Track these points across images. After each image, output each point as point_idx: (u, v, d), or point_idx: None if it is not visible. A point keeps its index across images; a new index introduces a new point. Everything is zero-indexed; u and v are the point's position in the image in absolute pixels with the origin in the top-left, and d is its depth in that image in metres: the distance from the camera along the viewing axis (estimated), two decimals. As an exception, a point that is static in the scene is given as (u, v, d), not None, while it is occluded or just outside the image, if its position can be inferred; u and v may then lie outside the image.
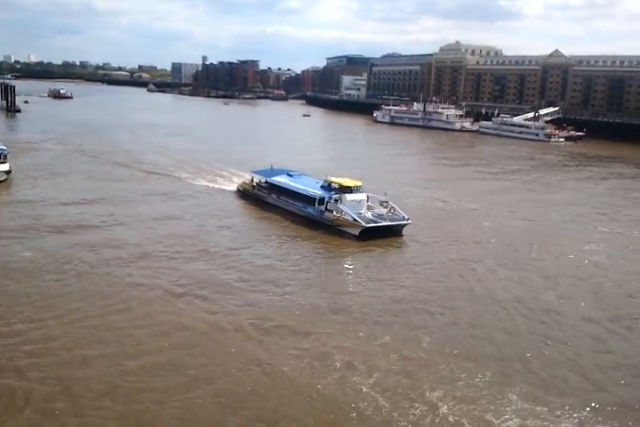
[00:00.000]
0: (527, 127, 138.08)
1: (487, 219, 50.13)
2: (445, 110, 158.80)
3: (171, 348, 24.26)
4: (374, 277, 34.85)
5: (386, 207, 45.04)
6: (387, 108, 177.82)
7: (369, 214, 44.47)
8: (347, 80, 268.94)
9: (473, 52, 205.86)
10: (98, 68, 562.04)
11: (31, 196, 50.32)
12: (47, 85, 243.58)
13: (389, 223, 43.15)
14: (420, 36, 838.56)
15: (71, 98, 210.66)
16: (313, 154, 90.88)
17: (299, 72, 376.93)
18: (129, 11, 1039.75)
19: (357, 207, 44.34)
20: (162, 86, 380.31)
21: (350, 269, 37.21)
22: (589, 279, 35.54)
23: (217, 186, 58.32)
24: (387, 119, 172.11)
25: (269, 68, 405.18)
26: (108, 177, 61.02)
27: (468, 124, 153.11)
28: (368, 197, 46.00)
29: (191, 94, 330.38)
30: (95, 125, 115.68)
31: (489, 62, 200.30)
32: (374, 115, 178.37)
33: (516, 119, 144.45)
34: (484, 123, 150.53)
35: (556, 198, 62.19)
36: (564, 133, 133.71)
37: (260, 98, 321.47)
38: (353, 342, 25.52)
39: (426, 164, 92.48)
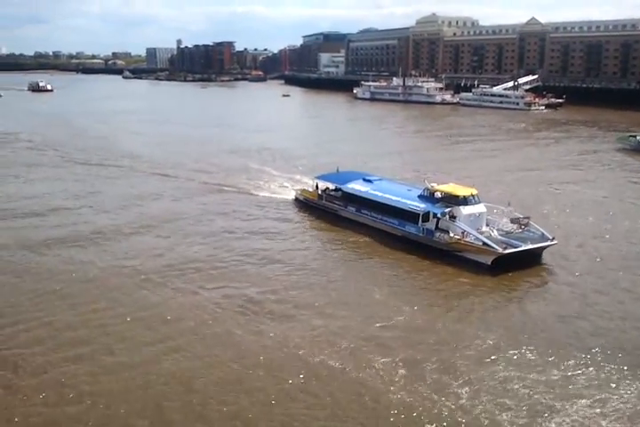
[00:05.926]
0: (507, 97, 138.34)
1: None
2: (425, 84, 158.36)
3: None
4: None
5: (519, 223, 34.11)
6: (366, 84, 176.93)
7: (495, 233, 33.52)
8: (324, 57, 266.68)
9: (450, 24, 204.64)
10: (71, 57, 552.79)
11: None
12: (20, 77, 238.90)
13: (532, 246, 32.07)
14: (394, 10, 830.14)
15: (51, 91, 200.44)
16: (300, 136, 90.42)
17: (275, 52, 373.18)
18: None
19: (476, 224, 33.63)
20: (137, 72, 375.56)
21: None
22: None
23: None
24: (367, 95, 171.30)
25: (246, 49, 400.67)
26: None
27: (448, 97, 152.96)
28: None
29: (167, 79, 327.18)
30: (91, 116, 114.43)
31: (466, 33, 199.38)
32: (354, 91, 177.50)
33: (496, 89, 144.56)
34: (464, 94, 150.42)
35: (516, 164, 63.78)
36: (544, 101, 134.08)
37: (237, 80, 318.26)
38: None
39: (405, 138, 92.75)
